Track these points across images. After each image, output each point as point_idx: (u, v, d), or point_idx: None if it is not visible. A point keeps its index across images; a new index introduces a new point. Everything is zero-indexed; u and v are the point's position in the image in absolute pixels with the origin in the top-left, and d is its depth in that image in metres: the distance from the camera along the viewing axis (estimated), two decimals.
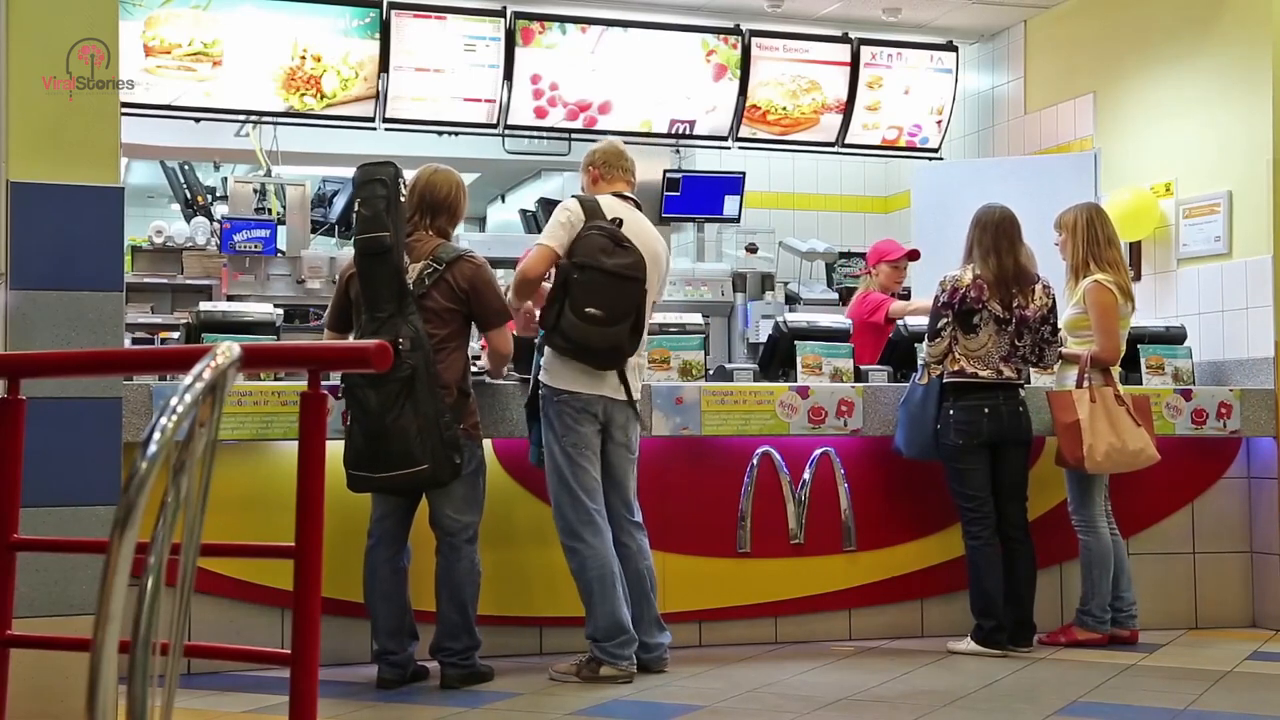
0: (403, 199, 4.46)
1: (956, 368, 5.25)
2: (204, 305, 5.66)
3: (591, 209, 4.71)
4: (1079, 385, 5.34)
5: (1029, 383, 5.43)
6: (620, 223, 4.70)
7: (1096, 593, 5.41)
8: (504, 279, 8.94)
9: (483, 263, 4.64)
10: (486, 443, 5.07)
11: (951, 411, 5.24)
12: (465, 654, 4.56)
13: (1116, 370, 5.50)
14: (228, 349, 1.93)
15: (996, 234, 5.28)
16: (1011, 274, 5.25)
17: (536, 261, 4.65)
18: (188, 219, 8.49)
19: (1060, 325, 5.47)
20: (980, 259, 5.28)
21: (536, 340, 4.83)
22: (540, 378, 4.71)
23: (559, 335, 4.58)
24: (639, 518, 4.84)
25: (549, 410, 4.68)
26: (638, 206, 4.93)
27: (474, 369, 4.88)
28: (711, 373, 5.68)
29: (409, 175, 4.64)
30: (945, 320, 5.26)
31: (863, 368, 5.77)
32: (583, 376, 4.64)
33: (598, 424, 4.70)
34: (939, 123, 8.00)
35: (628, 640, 4.64)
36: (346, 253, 6.32)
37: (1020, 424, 5.29)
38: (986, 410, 5.22)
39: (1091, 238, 5.47)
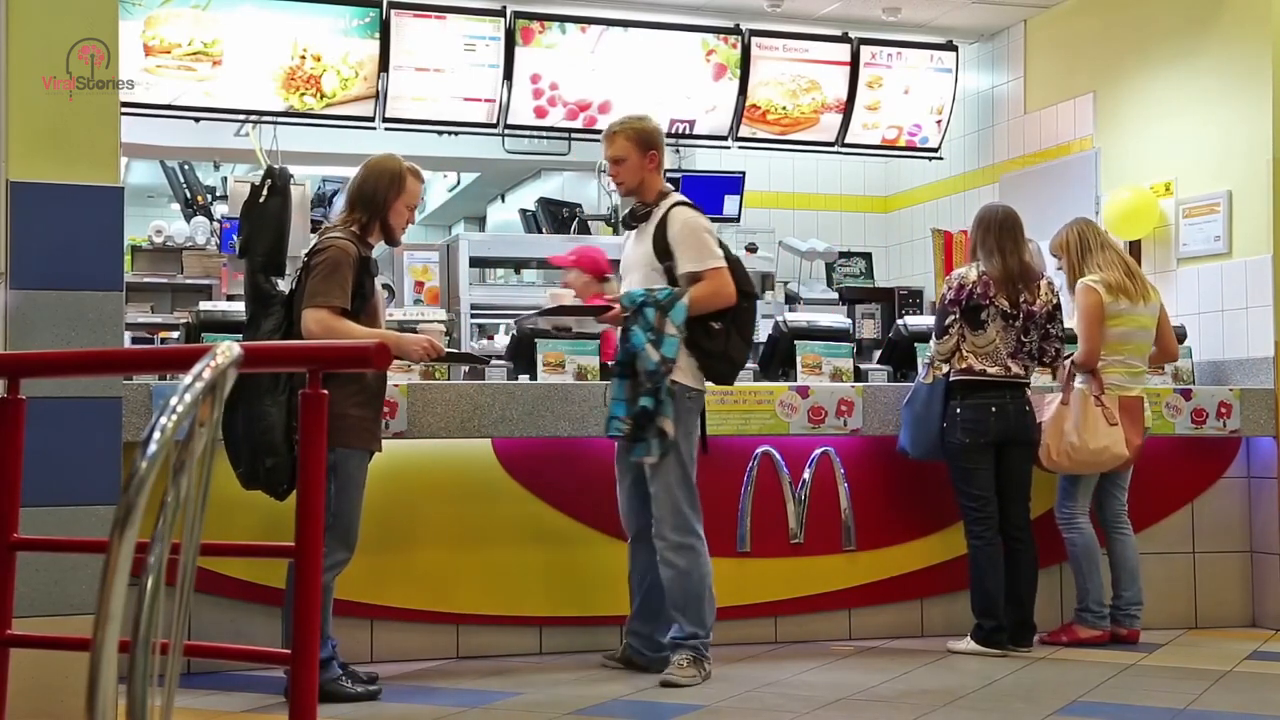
0: (262, 200, 4.37)
1: (965, 365, 5.24)
2: (204, 305, 5.66)
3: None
4: (1065, 387, 5.37)
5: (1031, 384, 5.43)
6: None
7: (1090, 588, 5.42)
8: (503, 277, 9.03)
9: (327, 246, 4.29)
10: (485, 442, 5.07)
11: (958, 410, 5.23)
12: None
13: (1139, 372, 5.49)
14: (227, 349, 1.93)
15: (1000, 232, 5.29)
16: (1017, 271, 5.26)
17: (731, 284, 4.63)
18: (188, 219, 8.50)
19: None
20: (985, 257, 5.29)
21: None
22: (675, 376, 4.58)
23: (724, 360, 4.64)
24: None
25: (680, 408, 4.59)
26: None
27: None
28: None
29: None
30: (953, 317, 5.26)
31: (863, 367, 5.77)
32: (699, 374, 4.67)
33: None
34: (939, 122, 7.99)
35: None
36: None
37: (1026, 423, 5.28)
38: (994, 409, 5.21)
39: (1084, 248, 5.51)
